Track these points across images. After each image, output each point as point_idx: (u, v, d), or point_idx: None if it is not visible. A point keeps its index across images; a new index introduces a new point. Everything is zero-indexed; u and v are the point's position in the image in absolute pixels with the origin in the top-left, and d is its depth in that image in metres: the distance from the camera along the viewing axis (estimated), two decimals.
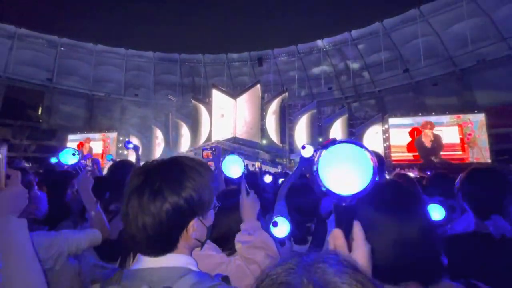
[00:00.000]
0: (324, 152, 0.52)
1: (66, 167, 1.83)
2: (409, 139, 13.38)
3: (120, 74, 19.61)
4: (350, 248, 0.54)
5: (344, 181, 0.51)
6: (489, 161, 11.82)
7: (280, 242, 1.24)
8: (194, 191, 0.70)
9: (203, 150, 13.97)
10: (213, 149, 13.00)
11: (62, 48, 18.05)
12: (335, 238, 0.55)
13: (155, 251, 0.68)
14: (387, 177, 2.35)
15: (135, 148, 2.99)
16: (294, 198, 1.47)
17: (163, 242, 0.68)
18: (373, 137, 14.74)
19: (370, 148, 0.55)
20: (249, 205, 1.14)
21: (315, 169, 0.52)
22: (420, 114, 13.76)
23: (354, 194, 0.50)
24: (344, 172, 0.50)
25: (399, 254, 0.69)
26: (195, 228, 0.71)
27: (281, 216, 1.26)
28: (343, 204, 0.52)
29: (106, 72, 19.43)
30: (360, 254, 0.54)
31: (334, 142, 0.52)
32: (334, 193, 0.51)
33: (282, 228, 1.18)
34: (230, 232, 1.17)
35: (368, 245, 0.55)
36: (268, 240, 1.08)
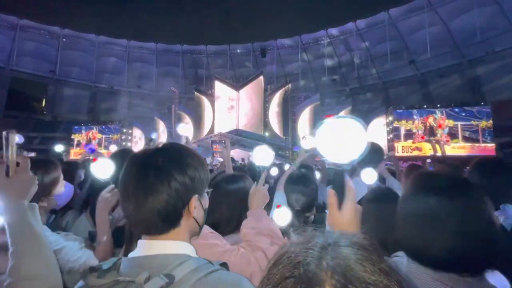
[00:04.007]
0: (322, 126, 0.60)
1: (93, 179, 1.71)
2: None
3: (122, 66, 19.55)
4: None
5: (341, 151, 0.59)
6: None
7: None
8: (195, 169, 0.73)
9: (212, 142, 14.15)
10: (223, 142, 13.21)
11: (64, 40, 17.98)
12: (330, 196, 0.67)
13: (160, 229, 0.70)
14: (384, 167, 2.35)
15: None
16: (292, 187, 1.46)
17: (169, 219, 0.70)
18: (379, 129, 14.58)
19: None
20: (261, 194, 1.16)
21: (315, 141, 0.61)
22: (425, 106, 13.45)
23: (350, 162, 0.60)
24: (341, 143, 0.58)
25: (458, 244, 0.69)
26: (195, 207, 0.73)
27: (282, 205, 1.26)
28: (339, 168, 0.61)
29: (109, 64, 19.39)
30: (348, 210, 0.65)
31: (330, 117, 0.61)
32: (332, 162, 0.60)
33: (283, 214, 1.18)
34: (229, 216, 1.21)
35: (358, 206, 0.66)
36: (275, 228, 1.09)
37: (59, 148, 4.73)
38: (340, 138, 0.59)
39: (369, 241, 0.40)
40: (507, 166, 1.18)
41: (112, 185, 1.32)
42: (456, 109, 11.85)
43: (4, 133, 0.79)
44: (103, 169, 1.40)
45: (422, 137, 12.17)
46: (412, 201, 0.78)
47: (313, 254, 0.37)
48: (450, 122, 11.91)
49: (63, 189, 1.47)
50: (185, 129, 2.64)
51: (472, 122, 11.53)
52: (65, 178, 1.79)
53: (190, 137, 17.23)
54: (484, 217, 0.72)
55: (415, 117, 12.47)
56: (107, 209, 1.29)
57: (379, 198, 1.22)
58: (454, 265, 0.70)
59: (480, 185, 1.17)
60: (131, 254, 0.70)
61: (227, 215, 1.22)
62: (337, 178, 0.63)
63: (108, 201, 1.29)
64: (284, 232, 1.19)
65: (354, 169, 2.07)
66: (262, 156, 1.30)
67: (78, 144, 16.02)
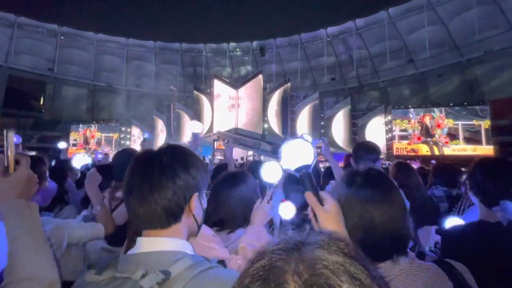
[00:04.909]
0: (282, 147, 0.81)
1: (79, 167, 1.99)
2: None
3: (121, 64, 19.47)
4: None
5: (299, 159, 0.78)
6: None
7: (283, 223, 1.27)
8: (197, 168, 0.76)
9: (214, 141, 14.20)
10: (226, 141, 13.26)
11: (62, 37, 17.89)
12: (309, 197, 0.73)
13: (162, 224, 0.71)
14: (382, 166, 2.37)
15: (147, 139, 3.12)
16: (291, 186, 1.47)
17: (171, 214, 0.72)
18: (378, 128, 14.57)
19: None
20: (264, 212, 1.20)
21: (279, 158, 0.81)
22: (424, 106, 13.42)
23: (303, 166, 0.77)
24: (297, 156, 0.78)
25: (366, 235, 0.76)
26: (196, 205, 0.75)
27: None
28: (302, 173, 0.77)
29: (107, 62, 19.31)
30: (330, 204, 0.72)
31: (286, 140, 0.84)
32: (290, 169, 0.78)
33: (288, 208, 1.20)
34: (234, 213, 1.26)
35: (335, 200, 0.73)
36: None
37: (62, 145, 4.75)
38: (295, 153, 0.78)
39: (346, 241, 0.39)
40: (507, 165, 1.19)
41: (95, 168, 1.58)
42: (457, 108, 10.88)
43: (4, 131, 0.79)
44: (81, 159, 1.82)
45: (419, 138, 11.49)
46: (334, 193, 0.87)
47: (282, 255, 0.36)
48: (450, 122, 11.11)
49: (48, 184, 1.59)
50: (197, 126, 2.70)
51: (474, 122, 10.65)
52: (55, 176, 1.82)
53: (189, 135, 17.24)
54: (395, 209, 0.80)
55: (410, 115, 11.73)
56: (95, 183, 1.51)
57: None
58: (368, 254, 0.74)
59: (482, 183, 1.17)
60: (129, 252, 0.71)
61: (233, 212, 1.26)
62: (304, 179, 0.76)
63: (94, 177, 1.51)
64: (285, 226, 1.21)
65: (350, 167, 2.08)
66: (271, 172, 1.34)
67: (75, 144, 15.94)
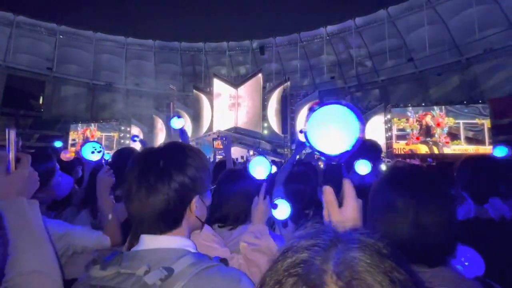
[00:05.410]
0: (312, 115, 0.55)
1: (90, 162, 1.82)
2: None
3: (120, 63, 19.44)
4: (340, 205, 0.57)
5: (333, 141, 0.53)
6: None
7: (282, 223, 1.27)
8: (196, 169, 0.74)
9: (213, 139, 14.21)
10: (224, 139, 13.27)
11: (61, 36, 17.84)
12: (326, 194, 0.58)
13: (162, 229, 0.71)
14: (384, 166, 2.36)
15: (142, 142, 3.11)
16: (292, 185, 1.47)
17: (170, 219, 0.71)
18: (378, 127, 14.55)
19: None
20: (262, 209, 1.18)
21: (304, 131, 0.55)
22: (423, 104, 13.38)
23: (342, 153, 0.53)
24: (332, 132, 0.53)
25: (414, 237, 0.69)
26: (197, 206, 0.74)
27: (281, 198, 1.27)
28: (333, 163, 0.56)
29: (107, 61, 19.26)
30: (350, 207, 0.58)
31: (320, 104, 0.55)
32: (323, 153, 0.55)
33: (282, 209, 1.19)
34: (236, 210, 1.26)
35: (359, 201, 0.59)
36: (273, 247, 1.11)
37: (58, 144, 4.80)
38: (329, 128, 0.53)
39: (385, 242, 0.36)
40: (495, 162, 1.21)
41: (107, 166, 1.41)
42: (458, 106, 10.34)
43: (6, 130, 0.80)
44: (92, 153, 1.61)
45: (417, 138, 11.06)
46: (379, 192, 0.79)
47: (320, 253, 0.34)
48: (451, 120, 10.59)
49: (60, 179, 1.50)
50: (180, 123, 2.59)
51: (477, 121, 10.14)
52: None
53: (189, 134, 17.21)
54: (443, 211, 0.73)
55: (409, 114, 11.22)
56: (107, 189, 1.35)
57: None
58: (413, 256, 0.69)
59: (470, 181, 1.19)
60: (133, 248, 0.72)
61: (235, 209, 1.27)
62: (333, 173, 0.58)
63: (106, 182, 1.36)
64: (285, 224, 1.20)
65: (350, 165, 2.07)
66: (259, 167, 1.31)
67: (74, 144, 15.89)
